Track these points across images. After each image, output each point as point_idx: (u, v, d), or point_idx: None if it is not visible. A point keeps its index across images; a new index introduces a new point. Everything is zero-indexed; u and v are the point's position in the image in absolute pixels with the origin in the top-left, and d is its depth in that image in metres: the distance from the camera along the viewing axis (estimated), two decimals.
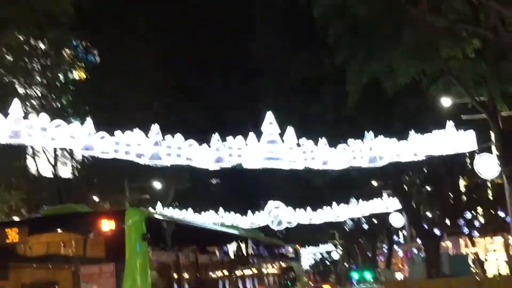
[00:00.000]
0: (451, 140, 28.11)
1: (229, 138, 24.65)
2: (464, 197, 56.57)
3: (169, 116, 41.82)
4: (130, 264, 9.69)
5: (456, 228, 56.62)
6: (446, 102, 30.56)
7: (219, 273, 13.02)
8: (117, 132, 22.64)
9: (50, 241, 10.39)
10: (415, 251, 60.90)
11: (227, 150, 24.30)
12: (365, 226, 74.29)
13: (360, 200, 53.01)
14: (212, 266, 12.81)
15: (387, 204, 53.11)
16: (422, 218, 50.68)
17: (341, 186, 59.84)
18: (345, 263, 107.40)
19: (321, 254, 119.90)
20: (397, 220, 54.86)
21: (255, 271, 15.86)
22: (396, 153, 27.68)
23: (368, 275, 72.17)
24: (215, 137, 24.36)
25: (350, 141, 26.94)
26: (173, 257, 11.03)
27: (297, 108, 40.51)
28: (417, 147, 28.03)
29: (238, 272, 14.23)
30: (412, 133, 28.13)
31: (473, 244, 65.03)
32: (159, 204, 47.91)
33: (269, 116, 25.18)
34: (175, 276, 10.82)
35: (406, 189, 49.39)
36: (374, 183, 55.49)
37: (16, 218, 12.35)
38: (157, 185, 47.57)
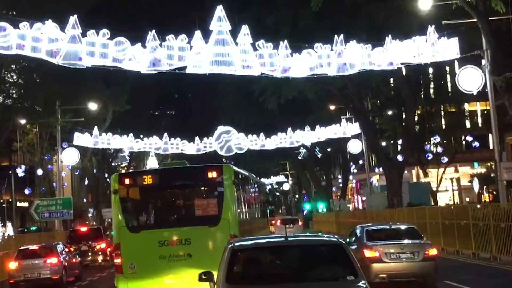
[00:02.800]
0: (431, 47, 24.08)
1: (170, 37, 19.84)
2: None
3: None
4: (226, 198, 15.56)
5: (420, 157, 53.57)
6: (425, 4, 26.17)
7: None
8: (24, 24, 17.58)
9: (175, 185, 16.48)
10: (373, 180, 57.63)
11: (166, 51, 19.53)
12: (319, 156, 70.93)
13: (317, 126, 49.12)
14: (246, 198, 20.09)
15: (345, 130, 49.39)
16: (383, 144, 47.11)
17: (297, 110, 56.04)
18: (296, 194, 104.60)
19: (272, 185, 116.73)
20: (356, 146, 51.24)
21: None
22: (369, 60, 23.40)
23: (321, 206, 69.18)
24: (151, 34, 19.51)
25: (317, 45, 22.44)
26: (239, 193, 17.11)
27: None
28: (393, 54, 23.87)
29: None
30: (388, 38, 23.88)
31: (426, 174, 62.56)
32: (95, 128, 42.95)
33: (219, 11, 20.42)
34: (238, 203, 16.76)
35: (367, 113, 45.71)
36: (332, 107, 51.55)
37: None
38: (93, 106, 42.44)
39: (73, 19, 17.91)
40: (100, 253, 33.57)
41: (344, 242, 8.69)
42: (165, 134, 45.68)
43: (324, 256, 8.65)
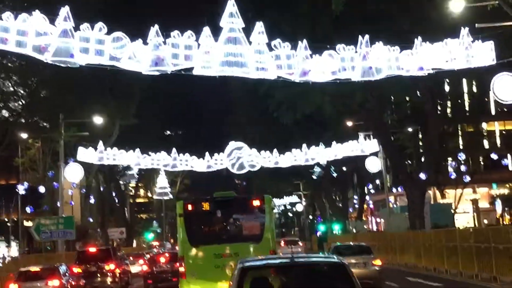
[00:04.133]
0: (465, 51, 21.76)
1: (175, 33, 17.61)
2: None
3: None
4: (267, 222, 19.60)
5: (437, 177, 50.99)
6: (457, 5, 23.86)
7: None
8: (7, 15, 15.42)
9: (227, 210, 20.15)
10: (392, 200, 54.98)
11: (171, 49, 17.28)
12: (334, 174, 68.37)
13: (334, 142, 46.73)
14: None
15: (363, 147, 46.96)
16: (405, 162, 44.58)
17: (313, 126, 53.70)
18: (309, 216, 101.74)
19: (285, 206, 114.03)
20: (374, 164, 48.64)
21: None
22: (396, 64, 21.07)
23: (337, 227, 66.48)
24: (154, 30, 17.29)
25: (339, 46, 20.13)
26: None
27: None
28: (423, 58, 21.53)
29: None
30: (417, 41, 21.57)
31: (443, 195, 59.99)
32: (100, 143, 40.74)
33: (231, 7, 18.20)
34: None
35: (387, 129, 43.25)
36: (349, 123, 49.13)
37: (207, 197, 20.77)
38: (98, 120, 40.24)
39: (64, 10, 15.73)
40: (109, 274, 32.19)
41: (346, 263, 9.18)
42: (174, 150, 43.36)
43: (328, 275, 9.11)
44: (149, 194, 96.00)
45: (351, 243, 29.12)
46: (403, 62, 21.19)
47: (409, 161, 49.58)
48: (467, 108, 64.83)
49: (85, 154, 40.20)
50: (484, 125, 65.47)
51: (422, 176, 38.49)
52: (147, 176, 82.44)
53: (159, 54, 16.89)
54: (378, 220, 79.27)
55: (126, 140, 46.33)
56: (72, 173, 39.82)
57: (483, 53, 22.16)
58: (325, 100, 38.59)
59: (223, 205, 20.44)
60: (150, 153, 43.26)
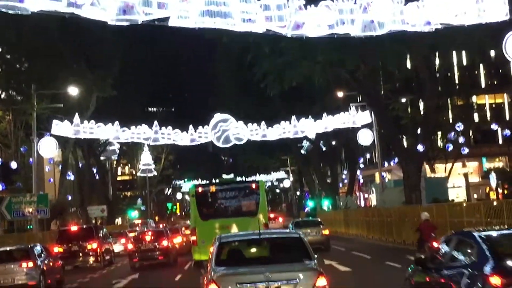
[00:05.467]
0: (476, 4, 19.38)
1: None
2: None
3: None
4: (261, 201, 26.17)
5: (433, 149, 48.88)
6: None
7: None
8: None
9: (229, 191, 26.58)
10: (385, 175, 52.75)
11: None
12: (324, 149, 66.12)
13: (324, 114, 44.35)
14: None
15: (355, 119, 44.57)
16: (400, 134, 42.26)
17: (301, 98, 51.35)
18: (297, 192, 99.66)
19: (272, 182, 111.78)
20: (366, 137, 46.23)
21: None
22: (401, 18, 18.64)
23: (326, 203, 64.42)
24: None
25: None
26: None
27: None
28: (431, 12, 19.10)
29: None
30: None
31: (433, 169, 58.09)
32: (76, 116, 38.04)
33: None
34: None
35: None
36: (340, 94, 46.73)
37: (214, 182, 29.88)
38: (73, 91, 37.52)
39: None
40: (91, 253, 31.34)
41: (302, 235, 11.77)
42: (155, 123, 40.73)
43: (287, 246, 11.44)
44: (134, 172, 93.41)
45: (307, 219, 40.81)
46: (408, 15, 18.73)
47: (403, 133, 47.30)
48: (457, 81, 62.97)
49: (59, 127, 37.50)
50: (474, 98, 63.65)
51: (419, 148, 36.19)
52: (130, 153, 79.94)
53: (128, 0, 14.31)
54: (365, 195, 77.32)
55: (104, 113, 43.61)
56: (46, 148, 37.18)
57: (496, 8, 19.79)
58: (315, 69, 36.44)
59: (227, 188, 27.08)
60: (130, 126, 40.68)
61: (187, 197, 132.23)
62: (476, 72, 72.26)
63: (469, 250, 9.89)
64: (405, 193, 37.69)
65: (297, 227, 34.44)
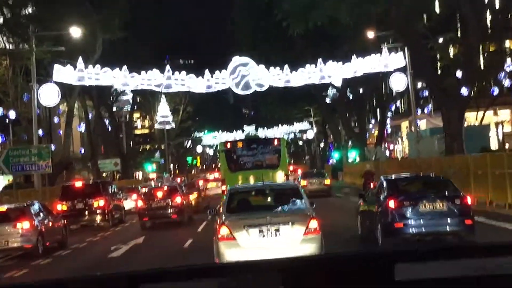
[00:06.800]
0: None
1: None
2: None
3: None
4: (282, 155, 29.46)
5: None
6: None
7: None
8: None
9: (254, 147, 29.59)
10: (422, 123, 48.66)
11: None
12: (351, 97, 62.03)
13: (354, 57, 40.35)
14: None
15: (387, 61, 40.62)
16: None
17: (326, 41, 47.26)
18: (320, 144, 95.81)
19: (294, 134, 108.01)
20: (399, 82, 42.19)
21: None
22: None
23: (353, 154, 60.64)
24: None
25: None
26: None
27: None
28: None
29: None
30: None
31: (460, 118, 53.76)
32: (80, 60, 34.44)
33: None
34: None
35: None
36: (370, 34, 42.46)
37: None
38: (76, 32, 33.80)
39: None
40: (98, 211, 28.41)
41: (299, 185, 15.77)
42: (167, 67, 37.01)
43: (287, 194, 13.39)
44: (152, 124, 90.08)
45: (314, 170, 47.20)
46: None
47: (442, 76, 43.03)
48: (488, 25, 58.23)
49: (61, 73, 34.06)
50: (507, 43, 58.97)
51: (464, 91, 32.05)
52: (147, 104, 76.51)
53: None
54: (391, 146, 73.32)
55: (113, 59, 39.93)
56: (47, 96, 33.71)
57: None
58: (341, 7, 32.48)
59: (252, 144, 30.51)
60: (140, 72, 37.03)
61: (208, 150, 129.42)
62: (509, 15, 67.38)
63: (383, 188, 16.08)
64: (446, 142, 33.75)
65: (304, 177, 41.41)
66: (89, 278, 3.10)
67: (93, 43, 37.55)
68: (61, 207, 27.93)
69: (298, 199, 12.80)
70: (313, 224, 11.89)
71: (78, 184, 30.69)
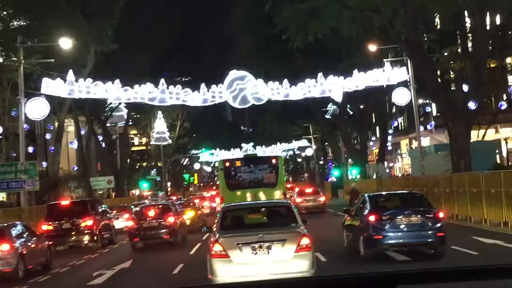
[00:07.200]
0: None
1: None
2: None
3: None
4: (280, 173, 30.27)
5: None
6: None
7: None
8: None
9: (253, 166, 30.93)
10: (425, 140, 47.09)
11: None
12: (351, 113, 60.53)
13: (355, 71, 38.95)
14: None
15: (390, 75, 39.24)
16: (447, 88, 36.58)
17: (327, 55, 45.86)
18: (320, 161, 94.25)
19: (293, 151, 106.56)
20: (402, 96, 40.79)
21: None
22: None
23: (354, 172, 59.08)
24: None
25: None
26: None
27: None
28: None
29: None
30: None
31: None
32: (70, 73, 32.95)
33: None
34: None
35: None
36: (372, 48, 41.09)
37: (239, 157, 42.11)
38: (66, 44, 32.31)
39: None
40: (86, 231, 26.64)
41: (291, 203, 14.73)
42: (162, 81, 35.53)
43: (279, 212, 13.94)
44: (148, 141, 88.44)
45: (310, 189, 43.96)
46: None
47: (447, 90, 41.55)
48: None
49: (51, 86, 32.55)
50: (508, 60, 57.66)
51: (471, 105, 30.53)
52: (143, 120, 75.06)
53: None
54: (390, 164, 71.77)
55: (106, 73, 38.46)
56: (35, 110, 32.17)
57: None
58: (344, 16, 31.28)
59: (250, 162, 31.24)
60: (133, 85, 35.52)
61: (205, 167, 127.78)
62: (510, 32, 66.17)
63: (365, 204, 17.66)
64: (452, 159, 32.26)
65: (300, 195, 41.63)
66: None
67: (85, 55, 36.07)
68: (46, 227, 26.32)
69: (290, 217, 13.07)
70: (305, 241, 12.11)
71: (65, 203, 29.10)
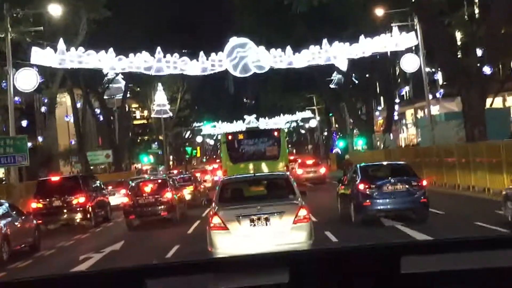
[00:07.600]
0: None
1: None
2: None
3: None
4: (282, 146, 30.29)
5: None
6: None
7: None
8: None
9: (255, 138, 30.69)
10: (433, 108, 45.19)
11: None
12: (356, 82, 58.59)
13: (362, 36, 37.06)
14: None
15: (398, 41, 37.34)
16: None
17: (331, 22, 43.92)
18: (324, 132, 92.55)
19: (297, 122, 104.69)
20: (411, 63, 38.97)
21: None
22: None
23: (360, 142, 57.43)
24: None
25: None
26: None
27: None
28: None
29: None
30: None
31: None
32: (61, 41, 31.14)
33: None
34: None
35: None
36: (379, 12, 39.14)
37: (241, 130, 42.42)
38: (56, 10, 30.47)
39: None
40: (78, 209, 25.07)
41: (289, 175, 15.11)
42: (158, 49, 33.71)
43: (277, 184, 14.10)
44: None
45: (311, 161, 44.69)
46: None
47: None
48: None
49: (41, 56, 30.79)
50: None
51: (487, 70, 28.70)
52: (143, 93, 73.18)
53: None
54: (396, 134, 70.00)
55: (101, 42, 36.58)
56: (24, 81, 30.43)
57: None
58: None
59: (253, 135, 31.38)
60: (128, 54, 33.71)
61: (208, 140, 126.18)
62: None
63: (356, 174, 19.12)
64: (466, 127, 30.51)
65: (301, 166, 42.66)
66: (93, 273, 3.16)
67: (77, 23, 34.22)
68: (36, 204, 24.78)
69: (288, 189, 13.17)
70: (302, 212, 12.22)
71: (55, 179, 27.41)
